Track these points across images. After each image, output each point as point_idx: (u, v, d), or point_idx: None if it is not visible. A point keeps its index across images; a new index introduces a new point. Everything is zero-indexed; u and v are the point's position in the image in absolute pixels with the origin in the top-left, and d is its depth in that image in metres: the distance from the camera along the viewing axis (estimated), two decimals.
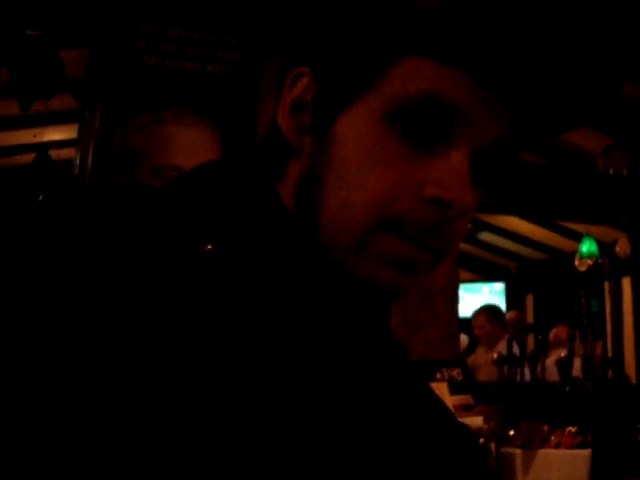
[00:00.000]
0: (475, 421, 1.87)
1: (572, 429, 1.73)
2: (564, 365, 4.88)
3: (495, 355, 4.13)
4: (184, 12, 2.37)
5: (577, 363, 5.01)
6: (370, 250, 0.55)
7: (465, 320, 4.77)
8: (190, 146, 1.35)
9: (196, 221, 0.55)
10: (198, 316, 0.47)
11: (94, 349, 0.43)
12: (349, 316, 0.61)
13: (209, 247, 0.52)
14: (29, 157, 4.62)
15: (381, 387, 0.62)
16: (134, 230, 0.52)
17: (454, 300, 2.64)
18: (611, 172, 4.71)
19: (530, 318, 7.73)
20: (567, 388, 4.57)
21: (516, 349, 4.45)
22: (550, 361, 5.07)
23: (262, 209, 0.59)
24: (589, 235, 6.03)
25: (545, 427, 1.73)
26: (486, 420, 1.90)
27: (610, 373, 5.56)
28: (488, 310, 4.97)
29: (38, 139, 4.53)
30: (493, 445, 1.73)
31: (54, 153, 4.55)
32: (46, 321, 0.45)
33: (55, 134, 4.62)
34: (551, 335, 5.58)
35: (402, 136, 0.53)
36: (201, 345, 0.46)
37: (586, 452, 1.66)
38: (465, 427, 0.78)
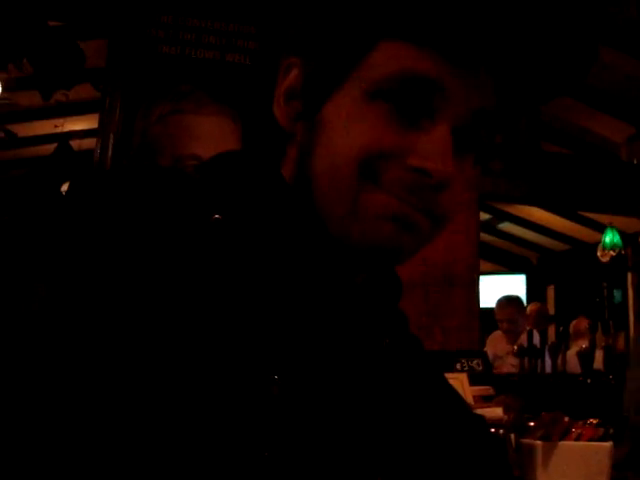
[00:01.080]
0: (495, 412, 1.85)
1: (593, 421, 1.71)
2: (585, 357, 4.84)
3: (516, 346, 4.11)
4: (203, 1, 2.37)
5: (598, 355, 4.97)
6: (362, 208, 0.57)
7: (485, 311, 4.74)
8: (210, 136, 1.34)
9: (206, 196, 0.59)
10: (203, 281, 0.51)
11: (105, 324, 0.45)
12: (345, 288, 0.63)
13: (217, 217, 0.56)
14: (51, 147, 4.67)
15: (377, 372, 0.64)
16: (149, 205, 0.56)
17: (474, 291, 2.62)
18: (635, 162, 4.65)
19: (551, 309, 7.68)
20: (588, 380, 4.54)
21: (537, 340, 4.42)
22: (571, 353, 5.04)
23: (265, 185, 0.62)
24: (612, 226, 5.96)
25: (566, 419, 1.71)
26: (506, 411, 1.88)
27: None
28: (515, 302, 4.93)
29: (59, 129, 4.56)
30: (513, 436, 1.72)
31: (76, 143, 4.59)
32: (60, 303, 0.46)
33: (76, 124, 4.66)
34: (572, 327, 5.54)
35: (386, 111, 0.56)
36: (205, 317, 0.49)
37: (607, 444, 1.64)
38: (480, 418, 0.78)
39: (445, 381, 0.78)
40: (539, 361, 4.23)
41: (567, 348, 5.11)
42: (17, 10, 2.26)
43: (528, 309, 5.35)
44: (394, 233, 0.58)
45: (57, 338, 0.43)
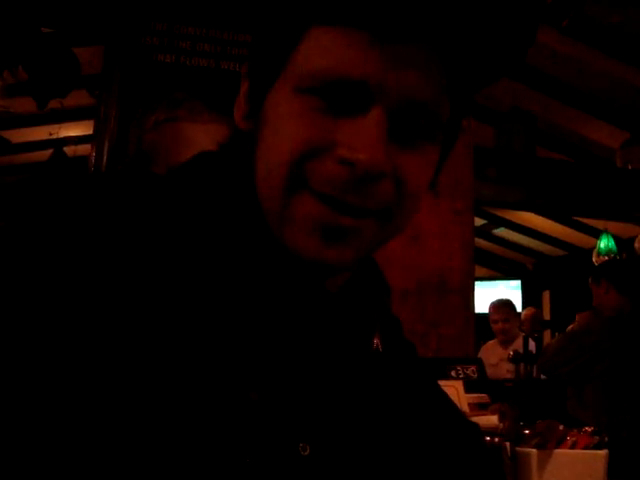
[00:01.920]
0: (490, 420, 1.85)
1: (588, 429, 1.71)
2: None
3: (511, 352, 4.11)
4: (198, 9, 2.37)
5: None
6: (291, 214, 0.55)
7: (480, 317, 4.74)
8: (205, 143, 1.34)
9: (168, 200, 0.58)
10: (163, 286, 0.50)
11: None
12: (313, 295, 0.61)
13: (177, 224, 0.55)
14: (45, 154, 4.66)
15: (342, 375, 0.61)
16: (106, 208, 0.54)
17: (470, 297, 2.62)
18: (630, 167, 4.66)
19: (547, 315, 7.68)
20: None
21: (532, 346, 4.42)
22: None
23: (224, 188, 0.61)
24: (607, 232, 5.97)
25: (561, 427, 1.71)
26: (501, 419, 1.88)
27: None
28: (509, 304, 4.94)
29: (54, 136, 4.55)
30: (508, 444, 1.71)
31: (70, 149, 4.58)
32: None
33: (71, 130, 4.65)
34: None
35: (314, 104, 0.54)
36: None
37: (603, 452, 1.64)
38: (475, 426, 0.77)
39: (439, 388, 0.77)
40: (535, 367, 4.22)
41: None
42: (12, 17, 2.25)
43: (523, 314, 5.35)
44: (321, 246, 0.55)
45: (45, 339, 0.43)
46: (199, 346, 0.48)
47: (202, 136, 1.38)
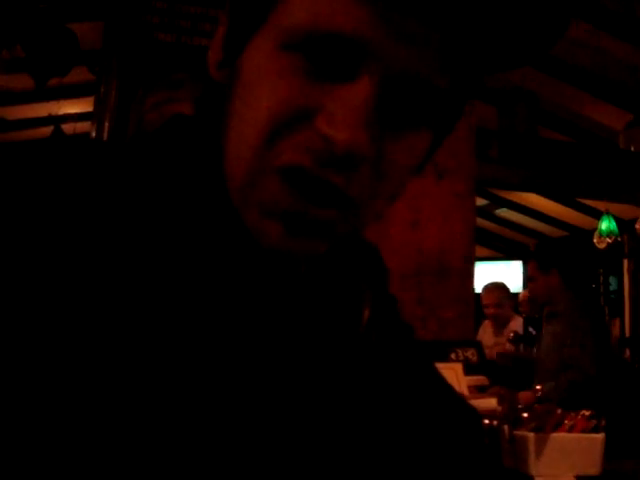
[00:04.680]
0: (489, 403, 1.86)
1: (586, 412, 1.72)
2: None
3: (511, 334, 4.12)
4: None
5: None
6: (254, 196, 0.48)
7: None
8: None
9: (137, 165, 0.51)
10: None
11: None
12: (281, 279, 0.55)
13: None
14: (45, 130, 4.63)
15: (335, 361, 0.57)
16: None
17: (470, 280, 2.62)
18: (633, 149, 4.64)
19: None
20: None
21: (530, 328, 4.43)
22: None
23: (190, 152, 0.54)
24: (608, 213, 5.96)
25: (559, 410, 1.72)
26: (500, 402, 1.89)
27: (627, 352, 5.54)
28: (501, 287, 4.91)
29: (54, 112, 4.53)
30: (506, 427, 1.72)
31: (70, 126, 4.56)
32: None
33: (71, 107, 4.62)
34: None
35: (297, 66, 0.47)
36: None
37: (600, 436, 1.65)
38: (472, 409, 0.76)
39: (435, 371, 0.76)
40: (534, 348, 4.24)
41: None
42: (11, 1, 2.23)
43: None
44: (283, 236, 0.48)
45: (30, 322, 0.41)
46: (147, 335, 0.44)
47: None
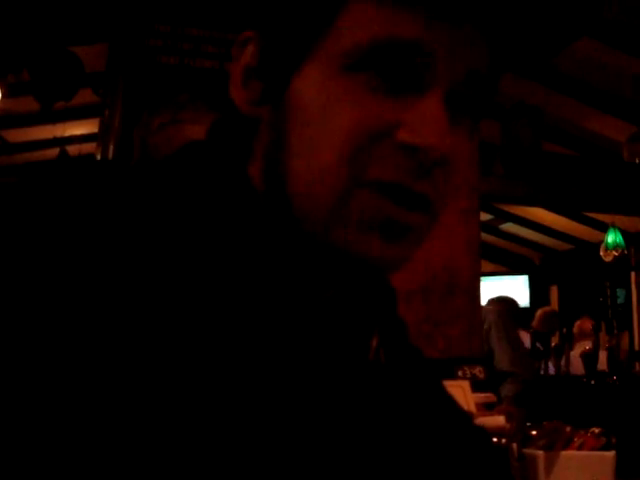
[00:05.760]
0: (497, 420, 1.84)
1: (596, 430, 1.70)
2: (589, 358, 4.83)
3: None
4: (201, 10, 2.36)
5: (602, 356, 4.96)
6: (347, 213, 0.49)
7: None
8: None
9: (159, 201, 0.50)
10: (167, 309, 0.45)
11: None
12: (334, 310, 0.56)
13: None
14: (50, 152, 4.66)
15: (369, 384, 0.58)
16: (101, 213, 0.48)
17: (476, 296, 2.61)
18: (637, 161, 4.64)
19: (555, 309, 7.68)
20: (592, 382, 4.53)
21: (538, 343, 4.41)
22: (575, 354, 5.03)
23: (228, 191, 0.53)
24: (614, 226, 5.95)
25: (568, 428, 1.71)
26: (508, 420, 1.88)
27: (637, 366, 5.49)
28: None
29: (59, 134, 4.56)
30: (515, 445, 1.71)
31: (76, 148, 4.58)
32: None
33: (76, 129, 4.65)
34: (576, 327, 5.53)
35: (367, 82, 0.48)
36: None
37: (610, 454, 1.63)
38: (482, 430, 0.76)
39: (445, 392, 0.75)
40: (542, 363, 4.22)
41: (571, 349, 5.10)
42: (18, 21, 2.25)
43: (538, 313, 5.25)
44: (382, 246, 0.50)
45: (51, 334, 0.41)
46: (193, 349, 0.45)
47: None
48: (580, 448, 1.64)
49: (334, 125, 0.48)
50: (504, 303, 3.68)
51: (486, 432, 0.77)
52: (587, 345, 5.04)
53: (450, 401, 0.75)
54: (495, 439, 1.70)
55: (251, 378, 0.47)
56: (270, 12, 0.54)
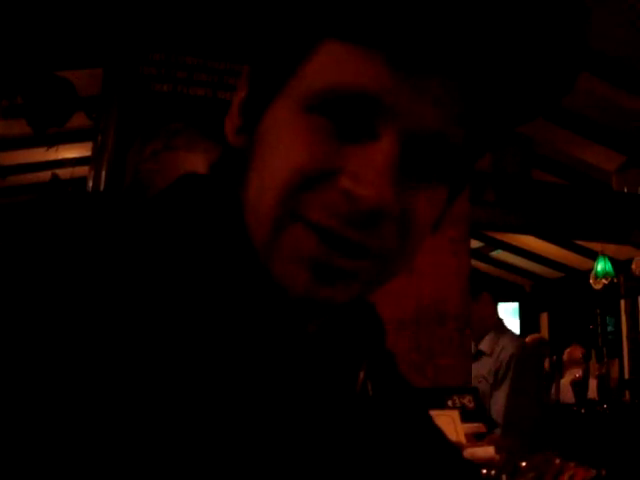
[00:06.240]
0: (487, 451, 1.84)
1: (586, 469, 1.70)
2: (579, 386, 4.83)
3: None
4: (195, 39, 2.38)
5: (592, 384, 4.96)
6: (281, 246, 0.50)
7: None
8: (202, 173, 1.35)
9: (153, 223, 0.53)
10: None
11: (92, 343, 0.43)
12: (320, 346, 0.56)
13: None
14: (42, 175, 4.66)
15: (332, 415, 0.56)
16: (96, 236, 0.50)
17: (467, 326, 2.61)
18: (626, 190, 4.68)
19: (545, 337, 7.68)
20: (583, 410, 4.52)
21: None
22: (565, 382, 5.03)
23: (210, 211, 0.55)
24: (604, 255, 5.99)
25: (557, 460, 1.70)
26: (498, 451, 1.87)
27: (627, 395, 5.49)
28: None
29: (52, 157, 4.56)
30: (505, 477, 1.70)
31: (68, 171, 4.58)
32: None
33: (69, 152, 4.65)
34: (566, 354, 5.53)
35: (321, 125, 0.48)
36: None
37: None
38: (469, 463, 0.76)
39: (433, 424, 0.75)
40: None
41: (561, 377, 5.10)
42: (12, 47, 2.26)
43: (527, 339, 5.28)
44: (311, 283, 0.50)
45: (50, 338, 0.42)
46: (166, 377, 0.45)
47: (199, 165, 1.39)
48: None
49: (280, 162, 0.50)
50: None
51: (474, 465, 0.77)
52: (577, 373, 5.04)
53: (438, 433, 0.74)
54: (484, 470, 1.70)
55: (239, 411, 0.47)
56: (253, 50, 0.57)
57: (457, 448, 0.77)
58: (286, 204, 0.49)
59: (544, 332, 7.83)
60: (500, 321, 3.02)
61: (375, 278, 0.53)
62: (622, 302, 7.20)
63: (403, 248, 0.52)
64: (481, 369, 2.82)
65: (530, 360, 2.91)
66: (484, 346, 2.87)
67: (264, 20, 0.56)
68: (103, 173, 2.16)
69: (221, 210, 0.55)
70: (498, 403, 2.70)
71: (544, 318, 8.27)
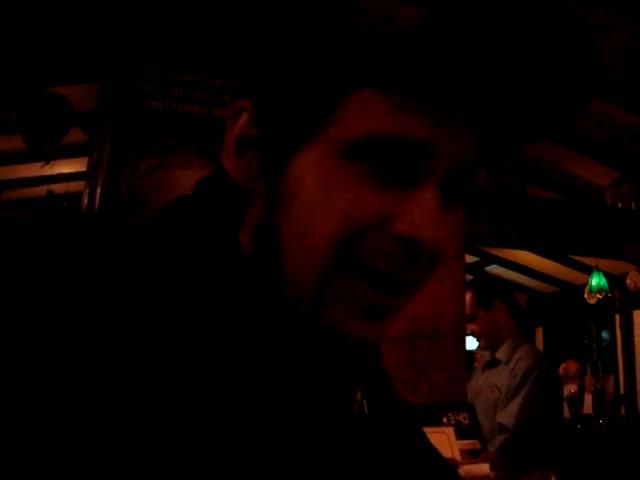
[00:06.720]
0: (481, 468, 1.83)
1: None
2: (574, 401, 4.83)
3: None
4: (191, 57, 2.40)
5: (588, 399, 4.96)
6: (332, 290, 0.51)
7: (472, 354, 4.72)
8: None
9: (148, 260, 0.52)
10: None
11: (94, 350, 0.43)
12: (321, 368, 0.57)
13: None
14: (37, 190, 4.65)
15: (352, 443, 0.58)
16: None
17: (461, 342, 2.61)
18: (619, 205, 4.70)
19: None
20: (578, 426, 4.51)
21: None
22: None
23: (223, 265, 0.53)
24: (598, 270, 6.00)
25: (554, 477, 1.70)
26: (492, 467, 1.86)
27: (623, 410, 5.48)
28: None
29: (47, 172, 4.56)
30: None
31: (63, 186, 4.58)
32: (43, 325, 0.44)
33: (64, 167, 4.65)
34: (561, 370, 5.53)
35: (364, 174, 0.49)
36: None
37: None
38: None
39: (428, 442, 0.75)
40: None
41: None
42: (7, 63, 2.27)
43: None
44: (364, 327, 0.52)
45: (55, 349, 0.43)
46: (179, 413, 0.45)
47: (193, 183, 1.39)
48: None
49: (329, 211, 0.49)
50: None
51: None
52: (572, 388, 5.03)
53: (433, 451, 0.75)
54: None
55: (239, 432, 0.48)
56: (276, 88, 0.54)
57: (452, 466, 0.78)
58: (340, 252, 0.50)
59: (539, 346, 7.82)
60: (518, 331, 2.83)
61: (406, 304, 0.55)
62: (617, 317, 7.21)
63: (429, 275, 0.55)
64: (494, 377, 2.72)
65: (549, 377, 2.72)
66: (500, 354, 2.74)
67: (286, 63, 0.54)
68: (98, 189, 2.16)
69: (226, 262, 0.54)
70: (511, 409, 2.56)
71: (539, 333, 8.26)
